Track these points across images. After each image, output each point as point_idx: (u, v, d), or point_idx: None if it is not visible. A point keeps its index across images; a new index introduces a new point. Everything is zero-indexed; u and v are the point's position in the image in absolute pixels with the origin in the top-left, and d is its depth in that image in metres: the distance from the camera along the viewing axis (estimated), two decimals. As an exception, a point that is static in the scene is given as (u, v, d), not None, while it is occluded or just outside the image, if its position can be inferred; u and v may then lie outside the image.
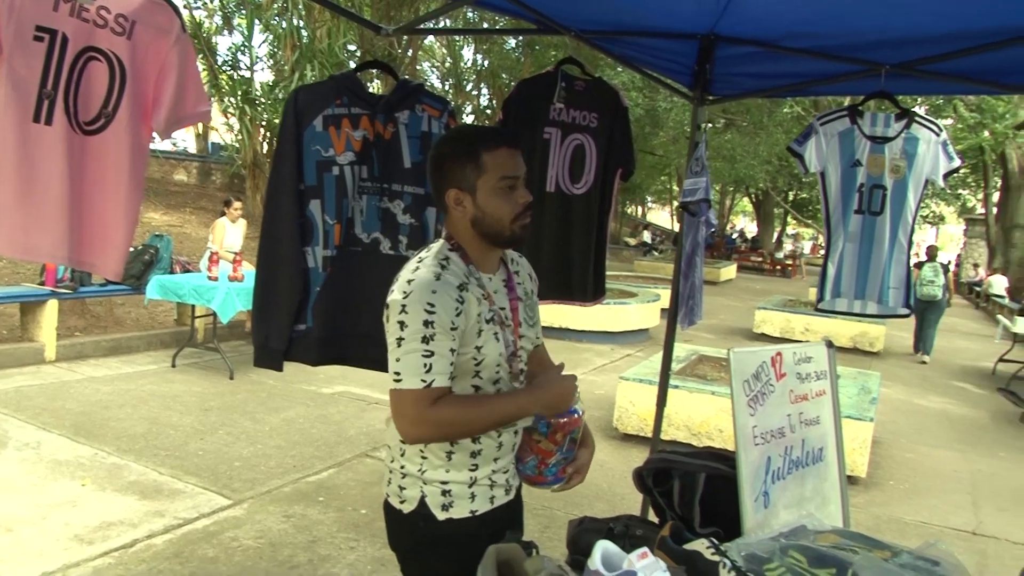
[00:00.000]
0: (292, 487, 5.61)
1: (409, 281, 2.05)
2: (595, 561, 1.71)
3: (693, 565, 1.81)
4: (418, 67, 26.36)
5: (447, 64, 28.89)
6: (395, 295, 2.05)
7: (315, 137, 3.05)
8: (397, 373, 2.01)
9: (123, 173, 2.75)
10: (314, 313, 3.16)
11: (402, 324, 2.01)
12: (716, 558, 1.80)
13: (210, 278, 8.68)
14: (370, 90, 3.26)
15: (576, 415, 2.25)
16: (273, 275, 3.14)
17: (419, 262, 2.13)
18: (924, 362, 14.21)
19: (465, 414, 2.07)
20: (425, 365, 1.99)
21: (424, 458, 2.19)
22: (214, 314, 8.56)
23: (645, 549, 1.67)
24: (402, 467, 2.22)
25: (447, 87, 28.76)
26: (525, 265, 2.46)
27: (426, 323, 1.99)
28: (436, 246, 2.19)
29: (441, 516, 2.19)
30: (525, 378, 2.30)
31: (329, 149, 3.07)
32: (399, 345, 2.01)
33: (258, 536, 4.75)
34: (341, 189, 3.09)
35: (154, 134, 2.84)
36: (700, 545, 1.84)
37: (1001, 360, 13.23)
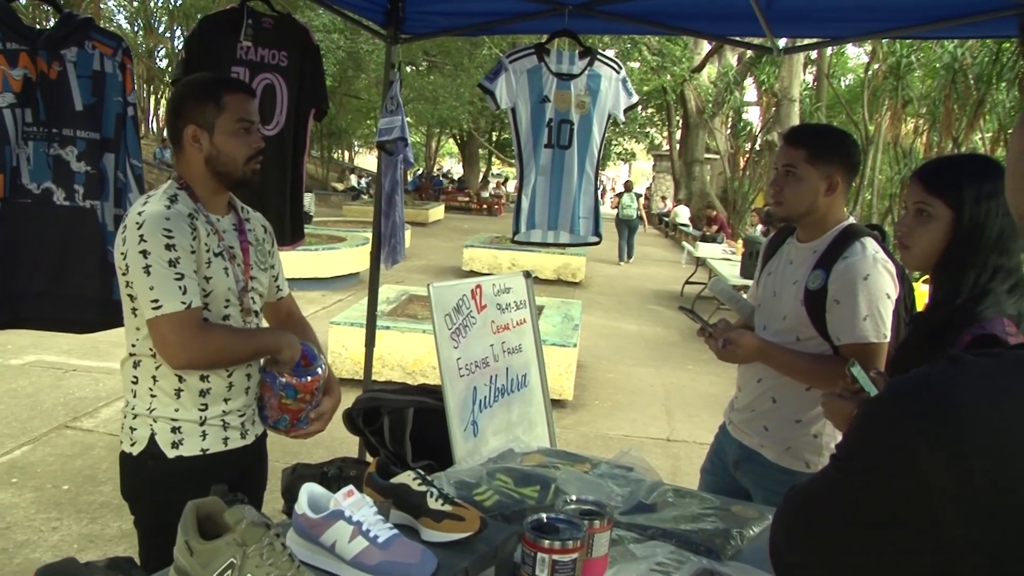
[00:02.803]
0: (-23, 471, 5.11)
1: (140, 213, 2.09)
2: (302, 505, 1.68)
3: (401, 498, 1.82)
4: (102, 5, 24.35)
5: (135, 3, 26.91)
6: (129, 229, 2.09)
7: None
8: (155, 300, 2.05)
9: None
10: (-21, 274, 2.86)
11: (145, 252, 2.04)
12: (423, 488, 1.82)
13: None
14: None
15: (320, 372, 2.33)
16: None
17: (147, 198, 2.18)
18: (626, 263, 18.70)
19: (232, 340, 2.19)
20: (180, 288, 2.06)
21: (153, 396, 2.20)
22: None
23: (351, 487, 1.66)
24: (133, 408, 2.23)
25: (136, 28, 26.86)
26: (258, 218, 2.51)
27: (168, 247, 2.05)
28: (164, 185, 2.22)
29: (171, 454, 2.21)
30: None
31: (-18, 90, 2.75)
32: (148, 273, 2.04)
33: (-63, 529, 4.29)
34: (1, 135, 2.77)
35: None
36: (407, 478, 1.85)
37: (687, 283, 14.46)
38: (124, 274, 2.12)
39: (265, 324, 2.49)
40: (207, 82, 2.29)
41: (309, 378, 2.28)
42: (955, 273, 1.92)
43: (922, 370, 0.84)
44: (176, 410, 2.21)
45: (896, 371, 2.10)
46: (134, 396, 2.23)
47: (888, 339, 2.39)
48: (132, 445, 2.23)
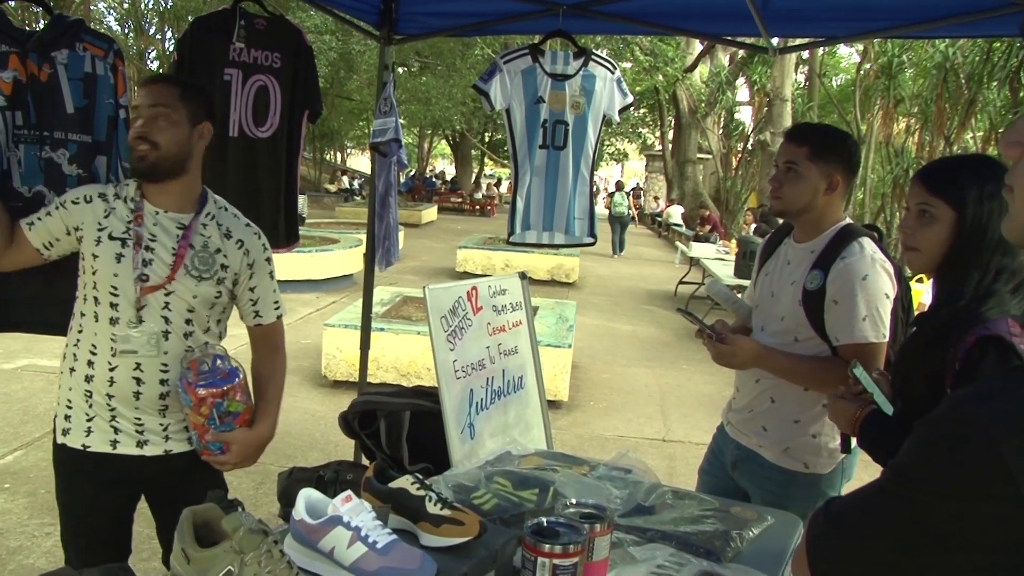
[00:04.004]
0: (-31, 477, 5.07)
1: None
2: (299, 510, 1.67)
3: (399, 502, 1.81)
4: (93, 7, 24.24)
5: (126, 5, 26.81)
6: None
7: None
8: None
9: None
10: (-30, 278, 2.83)
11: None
12: (421, 493, 1.81)
13: None
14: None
15: (222, 387, 2.22)
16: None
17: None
18: (619, 256, 20.14)
19: None
20: (39, 216, 2.29)
21: (61, 372, 2.30)
22: None
23: (349, 492, 1.65)
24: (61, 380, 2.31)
25: (127, 30, 26.75)
26: (243, 232, 2.42)
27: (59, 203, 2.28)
28: None
29: (60, 439, 2.26)
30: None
31: (-29, 92, 2.73)
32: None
33: (-72, 537, 4.26)
34: (-9, 138, 2.76)
35: None
36: (405, 482, 1.84)
37: (681, 283, 14.46)
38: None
39: (200, 335, 2.36)
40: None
41: (204, 390, 2.20)
42: (958, 274, 1.91)
43: (991, 382, 0.82)
44: (70, 388, 2.25)
45: (899, 373, 2.09)
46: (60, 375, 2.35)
47: (887, 339, 2.39)
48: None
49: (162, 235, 2.25)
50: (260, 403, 2.41)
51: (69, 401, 2.24)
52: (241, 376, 2.31)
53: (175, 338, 2.28)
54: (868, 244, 2.44)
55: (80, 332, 2.25)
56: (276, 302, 2.51)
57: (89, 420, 2.23)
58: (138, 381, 2.24)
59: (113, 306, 2.21)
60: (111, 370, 2.22)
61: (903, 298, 2.54)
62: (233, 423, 2.29)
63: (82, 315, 2.25)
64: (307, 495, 1.70)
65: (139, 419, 2.26)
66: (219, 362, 2.26)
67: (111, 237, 2.19)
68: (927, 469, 0.86)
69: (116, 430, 2.24)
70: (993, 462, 0.78)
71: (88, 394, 2.22)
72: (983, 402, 0.82)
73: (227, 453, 2.30)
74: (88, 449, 2.23)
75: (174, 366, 2.26)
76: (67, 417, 2.24)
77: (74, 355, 2.25)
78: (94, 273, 2.19)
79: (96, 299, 2.20)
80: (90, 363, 2.22)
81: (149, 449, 2.29)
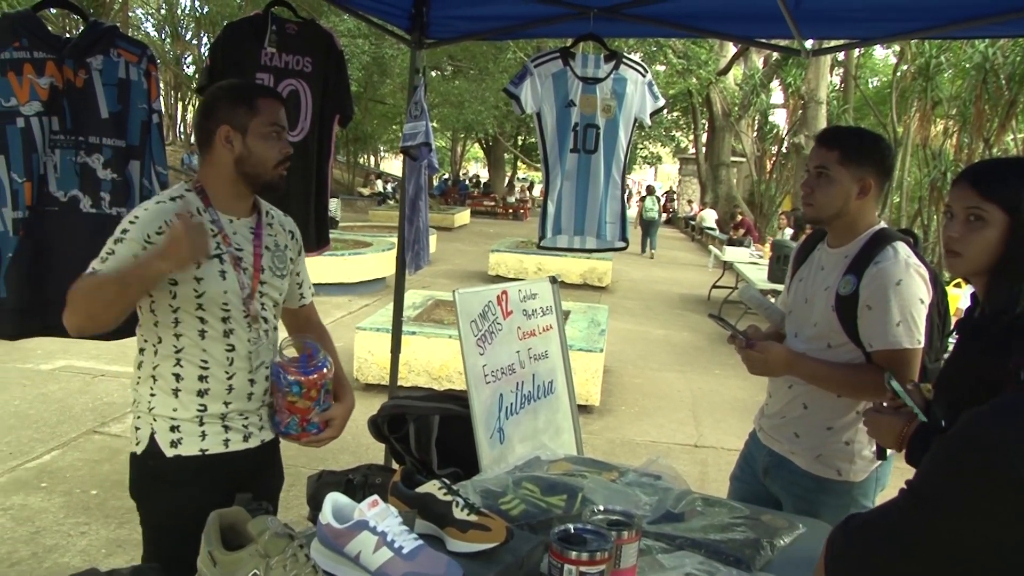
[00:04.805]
0: (9, 476, 5.11)
1: (145, 209, 2.17)
2: (326, 515, 1.67)
3: (426, 507, 1.80)
4: (131, 13, 24.58)
5: (163, 11, 27.16)
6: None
7: None
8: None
9: None
10: (7, 282, 2.85)
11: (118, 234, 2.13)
12: (448, 498, 1.80)
13: None
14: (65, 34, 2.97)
15: (324, 369, 2.31)
16: (-47, 244, 2.81)
17: (155, 194, 2.33)
18: (652, 257, 20.94)
19: (87, 284, 2.06)
20: (101, 259, 2.10)
21: (153, 395, 2.23)
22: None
23: (375, 497, 1.65)
24: (137, 406, 2.26)
25: (164, 36, 27.11)
26: (287, 222, 2.52)
27: (123, 231, 2.12)
28: (174, 187, 2.29)
29: (170, 453, 2.22)
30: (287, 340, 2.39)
31: (11, 98, 2.75)
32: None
33: (-32, 535, 4.32)
34: (28, 143, 2.79)
35: None
36: (432, 487, 1.84)
37: (714, 287, 14.37)
38: None
39: (282, 331, 2.48)
40: (241, 86, 2.37)
41: (314, 374, 2.28)
42: (1013, 281, 1.82)
43: (1010, 400, 0.80)
44: (175, 409, 2.22)
45: (951, 385, 1.98)
46: (137, 394, 2.27)
47: (922, 345, 2.35)
48: (137, 444, 2.26)
49: (244, 243, 2.30)
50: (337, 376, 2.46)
51: (174, 418, 2.22)
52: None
53: (274, 335, 2.39)
54: (902, 248, 2.40)
55: (179, 351, 2.22)
56: (310, 282, 2.64)
57: (201, 426, 2.24)
58: (251, 382, 2.30)
59: (224, 320, 2.23)
60: (229, 379, 2.25)
61: (940, 304, 2.49)
62: (331, 401, 2.38)
63: (177, 336, 2.21)
64: (334, 499, 1.70)
65: (244, 415, 2.31)
66: (312, 346, 2.34)
67: (207, 257, 2.17)
68: (944, 488, 0.84)
69: (227, 428, 2.28)
70: (1011, 483, 0.76)
71: (203, 407, 2.23)
72: (1002, 421, 0.80)
73: (328, 430, 2.38)
74: (206, 452, 2.25)
75: (271, 360, 2.35)
76: (174, 428, 2.22)
77: (175, 375, 2.22)
78: (199, 296, 2.18)
79: (202, 318, 2.20)
80: (202, 378, 2.22)
81: (252, 441, 2.34)
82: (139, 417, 2.26)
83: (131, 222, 2.13)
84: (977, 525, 0.80)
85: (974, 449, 0.82)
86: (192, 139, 30.80)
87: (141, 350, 2.27)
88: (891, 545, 0.88)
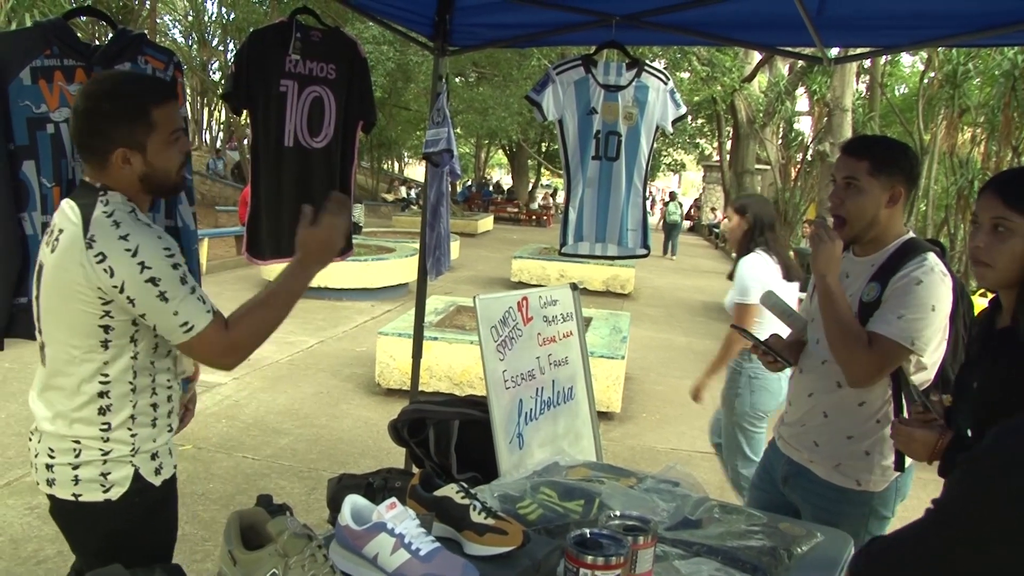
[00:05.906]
0: (34, 476, 5.18)
1: (123, 237, 1.93)
2: (345, 517, 1.69)
3: (444, 510, 1.82)
4: (158, 20, 24.84)
5: (190, 18, 27.40)
6: (115, 256, 1.92)
7: (23, 91, 2.76)
8: (185, 323, 1.97)
9: None
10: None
11: (154, 280, 1.93)
12: (466, 501, 1.82)
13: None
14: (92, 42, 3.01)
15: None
16: (-14, 246, 2.85)
17: (111, 217, 1.96)
18: (672, 259, 22.56)
19: (256, 317, 2.08)
20: (199, 299, 2.00)
21: (134, 435, 2.11)
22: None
23: (393, 500, 1.66)
24: (105, 452, 2.08)
25: (191, 42, 27.34)
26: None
27: (174, 266, 1.97)
28: (109, 198, 2.02)
29: (158, 481, 2.18)
30: None
31: (41, 105, 2.80)
32: (166, 300, 1.94)
33: (-5, 533, 4.36)
34: (58, 148, 2.83)
35: None
36: (450, 491, 1.85)
37: (737, 294, 14.30)
38: (109, 302, 1.97)
39: None
40: (129, 95, 2.05)
41: None
42: None
43: None
44: (154, 439, 2.16)
45: (974, 394, 1.96)
46: (105, 440, 2.08)
47: (915, 348, 2.31)
48: (106, 492, 2.09)
49: None
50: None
51: (154, 448, 2.16)
52: None
53: None
54: (932, 258, 2.38)
55: (154, 380, 2.14)
56: None
57: (168, 445, 2.23)
58: (170, 399, 2.26)
59: (166, 342, 2.11)
60: (169, 401, 2.22)
61: (965, 315, 2.48)
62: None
63: (152, 363, 2.12)
64: (353, 502, 1.72)
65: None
66: None
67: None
68: (968, 510, 0.83)
69: (170, 450, 2.27)
70: None
71: (170, 428, 2.23)
72: None
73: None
74: (175, 468, 2.26)
75: None
76: (154, 456, 2.16)
77: (152, 405, 2.13)
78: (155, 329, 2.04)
79: (169, 351, 2.16)
80: (169, 398, 2.20)
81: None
82: (108, 463, 2.09)
83: (168, 254, 1.97)
84: (997, 549, 0.79)
85: (1006, 471, 0.81)
86: (217, 144, 31.20)
87: (108, 407, 2.06)
88: (912, 568, 0.87)
